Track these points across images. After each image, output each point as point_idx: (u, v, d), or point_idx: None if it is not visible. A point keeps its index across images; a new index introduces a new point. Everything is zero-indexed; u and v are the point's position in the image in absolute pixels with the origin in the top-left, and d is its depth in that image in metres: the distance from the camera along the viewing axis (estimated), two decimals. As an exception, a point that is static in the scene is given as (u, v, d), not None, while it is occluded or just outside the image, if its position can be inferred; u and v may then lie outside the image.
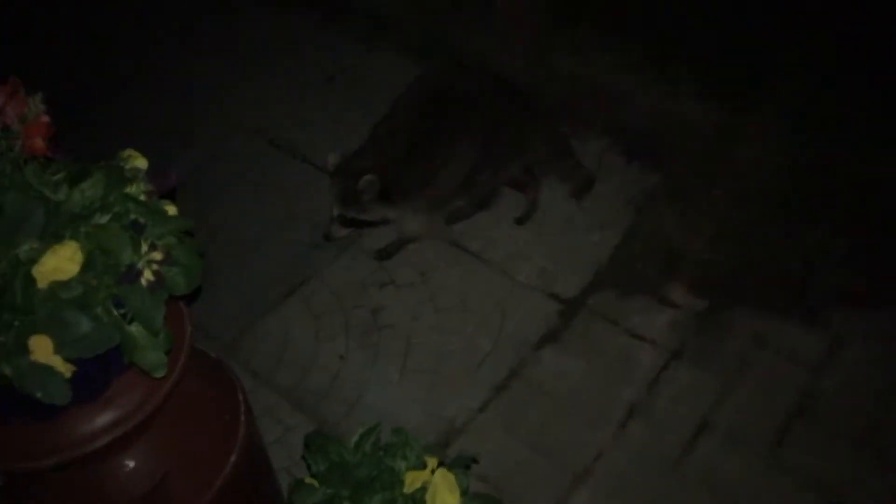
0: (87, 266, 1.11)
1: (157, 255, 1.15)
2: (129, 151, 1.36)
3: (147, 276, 1.13)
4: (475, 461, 1.44)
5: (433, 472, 1.32)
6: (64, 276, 1.10)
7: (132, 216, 1.17)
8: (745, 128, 2.78)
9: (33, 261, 1.09)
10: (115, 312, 1.12)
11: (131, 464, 1.37)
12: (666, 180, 2.71)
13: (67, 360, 1.08)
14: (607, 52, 3.03)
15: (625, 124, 2.88)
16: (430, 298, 2.44)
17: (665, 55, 2.97)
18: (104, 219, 1.17)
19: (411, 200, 2.39)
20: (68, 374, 1.09)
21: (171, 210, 1.32)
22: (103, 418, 1.25)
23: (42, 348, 1.06)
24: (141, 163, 1.35)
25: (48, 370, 1.05)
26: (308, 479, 1.38)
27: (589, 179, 2.67)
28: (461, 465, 1.37)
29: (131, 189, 1.25)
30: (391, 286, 2.49)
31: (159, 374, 1.17)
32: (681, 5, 3.02)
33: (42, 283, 1.10)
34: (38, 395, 1.04)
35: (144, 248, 1.14)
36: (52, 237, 1.14)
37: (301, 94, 3.17)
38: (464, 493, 1.32)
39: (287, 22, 3.51)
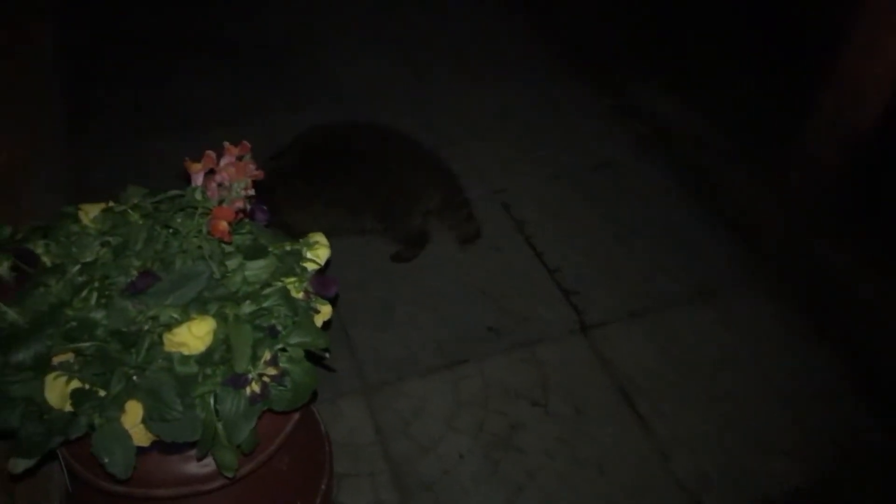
0: (208, 352, 1.13)
1: (272, 371, 1.14)
2: (317, 237, 1.38)
3: (253, 387, 1.13)
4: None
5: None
6: (187, 352, 1.14)
7: (273, 320, 1.18)
8: None
9: (169, 327, 1.13)
10: (212, 407, 1.14)
11: (192, 511, 1.41)
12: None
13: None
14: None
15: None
16: (573, 443, 2.27)
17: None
18: (251, 308, 1.18)
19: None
20: (147, 444, 1.13)
21: (325, 313, 1.31)
22: (177, 469, 1.30)
23: (133, 414, 1.10)
24: (323, 252, 1.36)
25: (126, 440, 1.09)
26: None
27: (476, 231, 2.86)
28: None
29: (292, 283, 1.25)
30: (542, 409, 2.36)
31: (228, 474, 1.18)
32: None
33: (167, 349, 1.14)
34: (105, 460, 1.08)
35: (265, 359, 1.14)
36: (198, 306, 1.17)
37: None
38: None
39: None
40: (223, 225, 1.17)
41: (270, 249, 1.28)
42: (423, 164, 2.79)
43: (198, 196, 1.20)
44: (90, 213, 1.32)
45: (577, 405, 2.37)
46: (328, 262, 1.38)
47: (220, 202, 1.20)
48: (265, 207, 1.35)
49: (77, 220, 1.30)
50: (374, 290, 2.67)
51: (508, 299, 2.68)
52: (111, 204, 1.32)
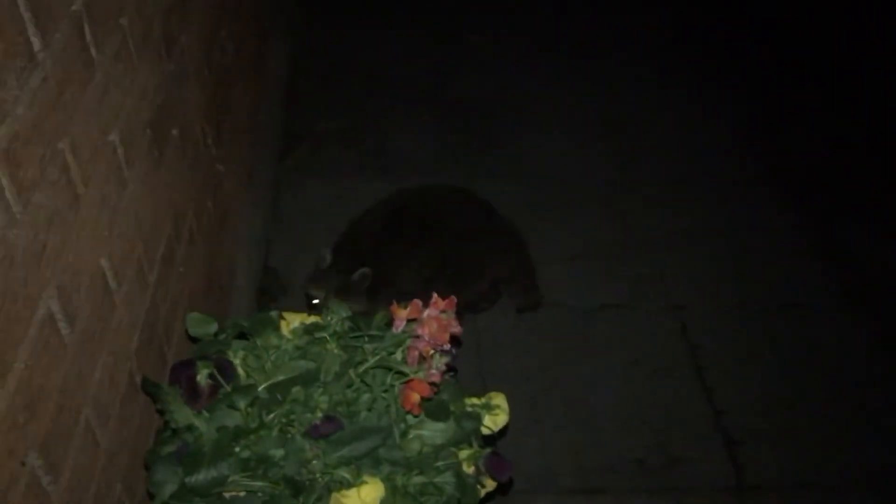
0: (372, 521, 1.11)
1: (428, 560, 1.10)
2: (498, 400, 1.32)
3: (406, 571, 1.10)
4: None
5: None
6: (351, 513, 1.11)
7: (439, 500, 1.13)
8: None
9: (339, 483, 1.12)
10: (360, 578, 1.11)
11: None
12: None
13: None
14: None
15: None
16: None
17: None
18: (420, 479, 1.15)
19: (380, 296, 2.42)
20: None
21: (488, 487, 1.25)
22: None
23: (286, 568, 1.09)
24: (501, 419, 1.30)
25: None
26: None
27: (537, 302, 2.82)
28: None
29: (466, 458, 1.20)
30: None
31: None
32: None
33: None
34: None
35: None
36: (371, 463, 1.15)
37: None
38: None
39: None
40: (416, 398, 1.14)
41: (452, 409, 1.23)
42: (495, 233, 2.76)
43: (398, 357, 1.18)
44: (291, 322, 1.34)
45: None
46: (505, 428, 1.32)
47: (419, 364, 1.16)
48: (454, 351, 1.31)
49: (277, 327, 1.32)
50: (530, 387, 2.59)
51: (664, 433, 2.52)
52: (312, 319, 1.33)
